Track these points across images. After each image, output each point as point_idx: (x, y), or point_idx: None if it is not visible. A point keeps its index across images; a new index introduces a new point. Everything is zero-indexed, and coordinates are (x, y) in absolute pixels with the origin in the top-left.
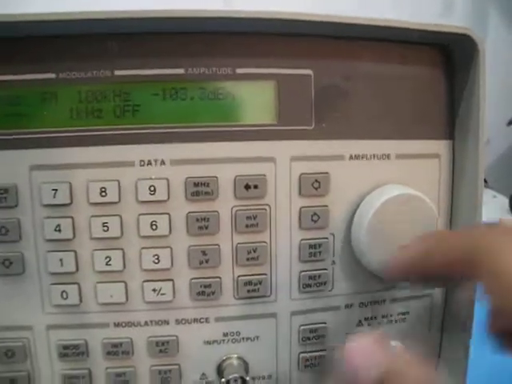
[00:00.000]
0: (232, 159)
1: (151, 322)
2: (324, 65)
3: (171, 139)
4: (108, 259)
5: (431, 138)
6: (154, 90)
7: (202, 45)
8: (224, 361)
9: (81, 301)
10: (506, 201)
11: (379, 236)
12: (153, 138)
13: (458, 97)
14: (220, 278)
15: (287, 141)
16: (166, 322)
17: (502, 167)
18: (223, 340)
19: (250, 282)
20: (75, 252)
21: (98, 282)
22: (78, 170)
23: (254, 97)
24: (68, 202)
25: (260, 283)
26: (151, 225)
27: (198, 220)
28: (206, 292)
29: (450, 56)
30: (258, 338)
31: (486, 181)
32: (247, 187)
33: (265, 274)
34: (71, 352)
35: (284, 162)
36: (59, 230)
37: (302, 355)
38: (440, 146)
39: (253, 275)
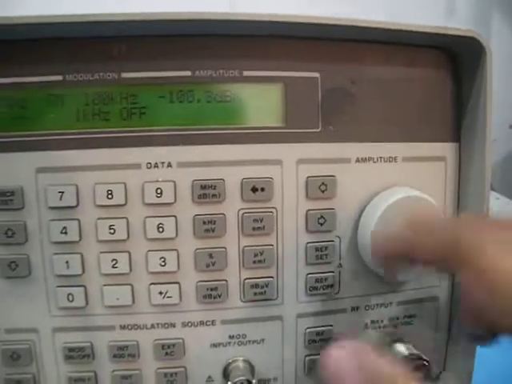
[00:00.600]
0: (239, 162)
1: (157, 324)
2: (331, 68)
3: (178, 142)
4: (114, 262)
5: (437, 140)
6: (160, 92)
7: (208, 47)
8: (230, 363)
9: (87, 303)
10: (510, 202)
11: None
12: (159, 141)
13: (465, 99)
14: (226, 280)
15: (294, 143)
16: (173, 325)
17: (506, 169)
18: (229, 343)
19: (256, 285)
20: (81, 254)
21: (105, 285)
22: (85, 173)
23: (261, 99)
24: (74, 204)
25: (266, 286)
26: (158, 227)
27: (204, 223)
28: (212, 295)
29: (456, 58)
30: (264, 340)
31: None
32: (254, 190)
33: (271, 277)
34: (77, 354)
35: (291, 164)
36: (65, 233)
37: (308, 358)
38: (446, 149)
39: (259, 278)
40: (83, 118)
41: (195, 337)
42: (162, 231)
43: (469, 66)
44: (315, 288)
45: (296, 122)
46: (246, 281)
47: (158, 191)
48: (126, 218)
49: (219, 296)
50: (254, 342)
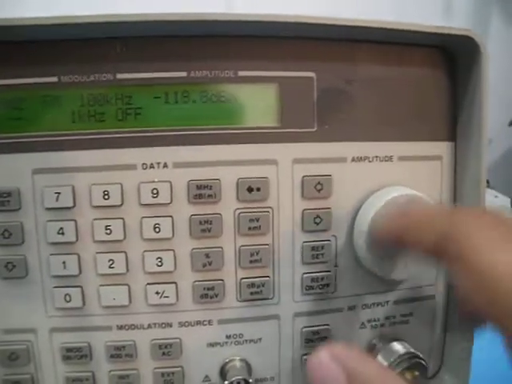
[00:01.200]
0: (234, 162)
1: (154, 324)
2: (326, 67)
3: (173, 142)
4: (111, 262)
5: (433, 139)
6: (156, 93)
7: (203, 48)
8: (227, 363)
9: (84, 304)
10: (508, 200)
11: None
12: (155, 141)
13: (461, 98)
14: (223, 280)
15: (289, 143)
16: (169, 325)
17: (504, 167)
18: (226, 342)
19: (252, 285)
20: (78, 255)
21: (101, 285)
22: (81, 174)
23: (256, 99)
24: (71, 205)
25: (263, 285)
26: (154, 228)
27: (200, 223)
28: (209, 294)
29: (452, 58)
30: (260, 340)
31: (487, 181)
32: (250, 190)
33: (268, 277)
34: (74, 355)
35: (286, 164)
36: (62, 233)
37: (304, 357)
38: (442, 148)
39: (256, 277)
40: (79, 119)
41: (192, 336)
42: (159, 231)
43: (465, 65)
44: (311, 287)
45: (291, 121)
46: (243, 280)
47: (154, 191)
48: (123, 219)
49: (216, 296)
50: (250, 341)
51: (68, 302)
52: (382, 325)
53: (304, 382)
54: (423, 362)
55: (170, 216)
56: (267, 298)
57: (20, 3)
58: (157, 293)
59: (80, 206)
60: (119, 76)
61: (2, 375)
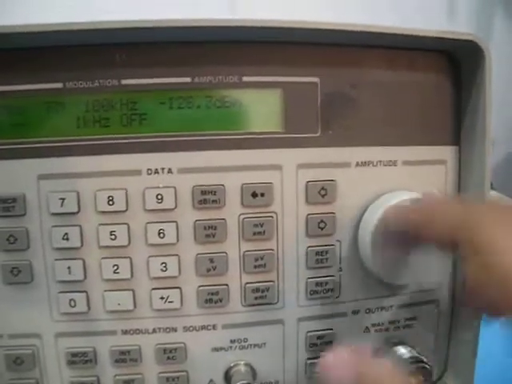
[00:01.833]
0: (239, 167)
1: (159, 329)
2: (330, 72)
3: (178, 148)
4: (116, 267)
5: (437, 143)
6: (160, 98)
7: (208, 53)
8: (231, 367)
9: (89, 309)
10: (511, 202)
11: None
12: (160, 147)
13: (464, 103)
14: (227, 285)
15: (294, 148)
16: (174, 330)
17: (507, 169)
18: (231, 347)
19: (257, 289)
20: (83, 260)
21: (106, 290)
22: (86, 179)
23: (261, 105)
24: (76, 210)
25: (267, 290)
26: (159, 233)
27: (205, 228)
28: (213, 299)
29: (456, 62)
30: (265, 344)
31: (491, 183)
32: (254, 195)
33: (272, 281)
34: (79, 359)
35: (290, 169)
36: (67, 239)
37: (309, 361)
38: (446, 152)
39: (260, 282)
40: (84, 125)
41: (197, 341)
42: (163, 237)
43: (468, 70)
44: (316, 292)
45: (295, 126)
46: (247, 285)
47: (159, 197)
48: (127, 224)
49: (220, 300)
50: (255, 346)
51: (73, 306)
52: (386, 329)
53: None
54: (427, 367)
55: (175, 221)
56: (271, 303)
57: (20, 2)
58: (161, 298)
59: (85, 212)
60: (124, 82)
61: (8, 380)
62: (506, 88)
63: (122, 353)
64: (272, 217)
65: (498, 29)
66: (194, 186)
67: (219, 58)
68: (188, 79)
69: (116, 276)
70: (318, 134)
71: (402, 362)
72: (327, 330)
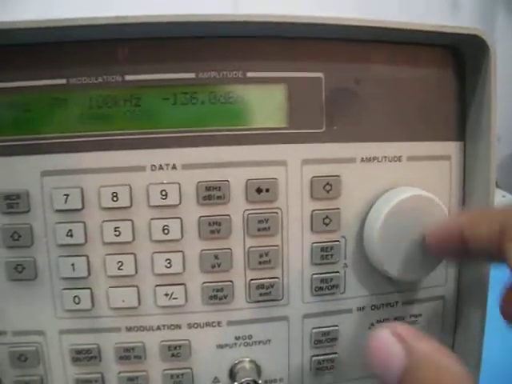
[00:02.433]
0: (243, 163)
1: (163, 326)
2: (334, 67)
3: (182, 143)
4: (120, 264)
5: (442, 139)
6: (164, 94)
7: (212, 49)
8: (236, 364)
9: (93, 305)
10: None
11: (391, 238)
12: (164, 143)
13: (469, 98)
14: (232, 281)
15: (298, 144)
16: (179, 327)
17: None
18: (235, 344)
19: (262, 286)
20: (87, 257)
21: (110, 287)
22: (90, 175)
23: (265, 100)
24: (79, 207)
25: (272, 286)
26: (163, 229)
27: (209, 224)
28: (218, 296)
29: (461, 57)
30: (270, 341)
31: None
32: (259, 191)
33: (277, 278)
34: (84, 356)
35: (295, 165)
36: (71, 235)
37: (314, 358)
38: (451, 148)
39: (265, 279)
40: (87, 121)
41: (201, 338)
42: (168, 233)
43: (473, 64)
44: (321, 288)
45: (300, 122)
46: (252, 282)
47: (163, 193)
48: (131, 220)
49: (225, 297)
50: (260, 342)
51: (77, 303)
52: None
53: (313, 383)
54: None
55: (179, 217)
56: (276, 300)
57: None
58: (166, 294)
59: (89, 208)
60: (128, 78)
61: (12, 377)
62: (509, 82)
63: (127, 350)
64: (277, 213)
65: (501, 23)
66: (198, 182)
67: (223, 53)
68: (192, 75)
69: (120, 272)
70: (322, 130)
71: None
72: (332, 326)
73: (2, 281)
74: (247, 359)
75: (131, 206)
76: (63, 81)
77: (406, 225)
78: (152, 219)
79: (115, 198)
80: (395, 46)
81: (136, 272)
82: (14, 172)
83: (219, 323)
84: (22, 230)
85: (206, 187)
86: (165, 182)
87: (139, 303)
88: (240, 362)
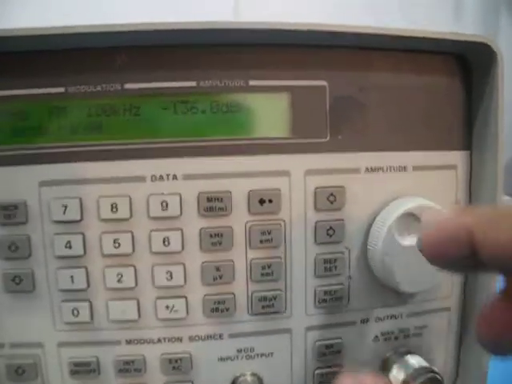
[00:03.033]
0: (246, 173)
1: (164, 339)
2: (339, 76)
3: (183, 154)
4: (120, 276)
5: (448, 148)
6: (164, 103)
7: (213, 57)
8: (238, 377)
9: (92, 318)
10: None
11: (396, 249)
12: (164, 153)
13: (475, 106)
14: (234, 294)
15: (302, 154)
16: (179, 339)
17: None
18: (237, 356)
19: (264, 298)
20: (86, 269)
21: (110, 299)
22: (88, 186)
23: (268, 109)
24: (78, 218)
25: (275, 299)
26: (163, 241)
27: (211, 236)
28: (219, 308)
29: (467, 64)
30: (272, 354)
31: None
32: (261, 202)
33: (280, 290)
34: (82, 369)
35: (299, 175)
36: (70, 247)
37: (317, 371)
38: (457, 157)
39: (267, 291)
40: (86, 131)
41: (203, 351)
42: (168, 245)
43: (480, 72)
44: (324, 300)
45: (303, 131)
46: (254, 294)
47: (164, 204)
48: (131, 232)
49: (227, 309)
50: (262, 355)
51: (76, 316)
52: (396, 338)
53: None
54: (438, 377)
55: (180, 229)
56: (279, 312)
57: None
58: (166, 307)
59: (88, 219)
60: (127, 86)
61: None
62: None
63: (126, 363)
64: (280, 224)
65: (504, 28)
66: (199, 193)
67: (225, 61)
68: (193, 83)
69: (120, 285)
70: (326, 139)
71: (413, 372)
72: (336, 338)
73: (0, 292)
74: (249, 372)
75: (131, 217)
76: (62, 89)
77: (411, 236)
78: (152, 231)
79: (115, 209)
80: (400, 53)
81: (136, 284)
82: (12, 182)
83: (221, 336)
84: (20, 241)
85: (208, 198)
86: (165, 192)
87: (139, 316)
88: (242, 375)
